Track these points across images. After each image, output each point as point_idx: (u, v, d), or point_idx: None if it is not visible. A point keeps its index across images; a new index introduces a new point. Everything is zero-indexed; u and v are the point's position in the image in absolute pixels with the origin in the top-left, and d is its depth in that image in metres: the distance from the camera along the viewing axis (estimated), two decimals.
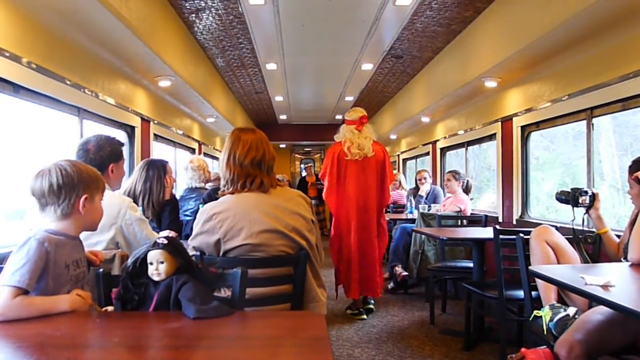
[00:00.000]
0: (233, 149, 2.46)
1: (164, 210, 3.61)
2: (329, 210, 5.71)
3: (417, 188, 7.34)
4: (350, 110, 5.25)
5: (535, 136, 5.43)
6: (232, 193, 2.43)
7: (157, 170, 3.57)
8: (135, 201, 3.45)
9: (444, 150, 8.21)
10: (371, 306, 5.23)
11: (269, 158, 2.48)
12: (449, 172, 6.32)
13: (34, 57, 3.32)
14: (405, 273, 6.02)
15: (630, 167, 2.76)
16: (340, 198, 4.96)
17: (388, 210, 8.01)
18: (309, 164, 14.06)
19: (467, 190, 6.20)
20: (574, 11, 3.48)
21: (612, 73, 3.76)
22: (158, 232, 3.71)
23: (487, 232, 4.27)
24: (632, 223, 2.69)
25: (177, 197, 4.92)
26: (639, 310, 1.65)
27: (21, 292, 1.61)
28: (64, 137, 4.16)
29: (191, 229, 2.51)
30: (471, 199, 6.19)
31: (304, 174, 14.74)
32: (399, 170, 10.93)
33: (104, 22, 3.61)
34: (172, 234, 2.97)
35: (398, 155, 11.31)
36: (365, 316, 5.03)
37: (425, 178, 7.25)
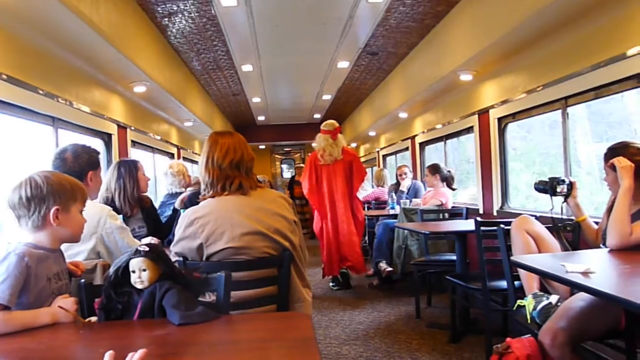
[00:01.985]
0: (211, 152, 2.46)
1: (143, 211, 3.65)
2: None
3: (398, 184, 7.35)
4: (326, 122, 6.31)
5: (512, 127, 5.47)
6: (212, 196, 2.43)
7: (128, 167, 3.61)
8: (112, 200, 3.51)
9: (423, 145, 8.24)
10: (345, 271, 6.40)
11: (247, 159, 2.48)
12: (428, 166, 6.34)
13: (4, 67, 3.26)
14: (389, 269, 6.04)
15: (605, 154, 2.80)
16: (318, 195, 6.13)
17: (370, 206, 8.04)
18: (300, 165, 14.03)
19: (451, 182, 6.21)
20: (545, 2, 3.52)
21: (584, 62, 3.81)
22: (143, 231, 3.70)
23: (468, 225, 4.30)
24: (610, 209, 2.74)
25: (158, 203, 4.90)
26: (619, 295, 1.68)
27: (1, 308, 1.59)
28: (39, 148, 4.10)
29: (173, 235, 2.50)
30: (454, 189, 6.21)
31: (289, 174, 14.75)
32: (379, 166, 10.97)
33: (74, 29, 3.57)
34: (154, 240, 2.97)
35: (378, 152, 11.34)
36: (344, 289, 6.30)
37: (405, 173, 7.26)
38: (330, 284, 6.48)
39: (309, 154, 6.44)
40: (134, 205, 3.61)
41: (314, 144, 6.21)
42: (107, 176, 3.61)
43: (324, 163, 6.06)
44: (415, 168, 8.30)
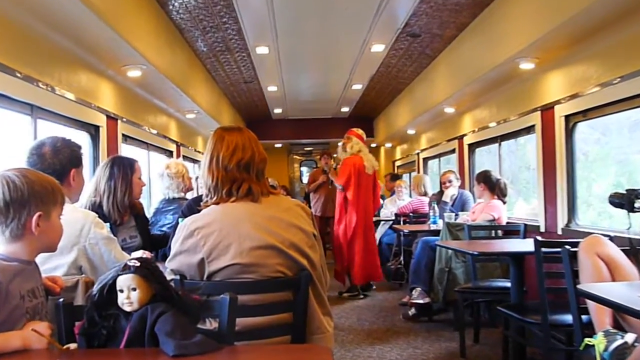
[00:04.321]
0: (216, 150, 2.49)
1: (135, 218, 3.70)
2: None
3: (441, 193, 7.32)
4: (357, 129, 7.54)
5: (582, 127, 5.41)
6: (216, 203, 2.45)
7: (123, 168, 3.65)
8: (100, 204, 3.56)
9: (472, 147, 8.19)
10: (373, 287, 7.80)
11: (258, 160, 2.50)
12: (479, 173, 6.30)
13: None
14: (427, 299, 6.02)
15: None
16: (357, 205, 7.21)
17: (407, 220, 8.02)
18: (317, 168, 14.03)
19: (501, 193, 6.17)
20: None
21: None
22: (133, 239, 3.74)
23: (526, 245, 4.27)
24: None
25: (152, 210, 4.95)
26: None
27: None
28: (14, 141, 4.16)
29: (169, 248, 2.52)
30: (504, 203, 6.17)
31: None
32: (419, 171, 10.92)
33: (60, 3, 3.62)
34: (146, 254, 2.98)
35: (417, 154, 11.29)
36: (362, 296, 7.44)
37: (450, 181, 7.22)
38: (345, 294, 7.45)
39: (345, 157, 7.41)
40: (124, 211, 3.66)
41: (345, 149, 7.44)
42: (97, 175, 3.67)
43: (367, 172, 7.25)
44: (463, 174, 8.24)
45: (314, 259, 2.44)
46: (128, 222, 3.78)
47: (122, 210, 3.62)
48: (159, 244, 4.06)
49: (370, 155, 7.44)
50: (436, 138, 9.96)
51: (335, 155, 8.57)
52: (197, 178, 5.29)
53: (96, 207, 3.55)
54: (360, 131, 7.54)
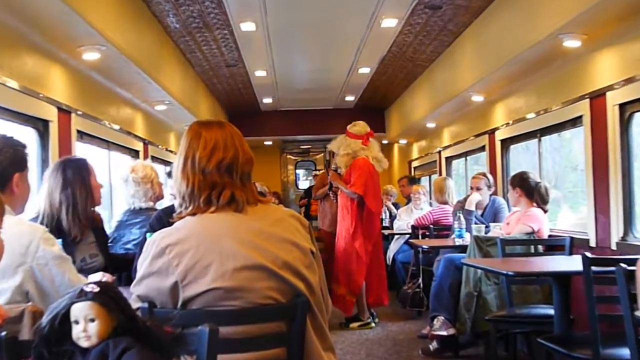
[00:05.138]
0: (191, 149, 2.49)
1: (94, 232, 3.74)
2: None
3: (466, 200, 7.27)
4: (353, 124, 7.62)
5: None
6: (192, 214, 2.45)
7: (78, 170, 3.68)
8: (58, 218, 3.57)
9: (506, 143, 8.18)
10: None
11: (243, 161, 2.51)
12: (514, 176, 6.28)
13: None
14: (451, 331, 6.01)
15: None
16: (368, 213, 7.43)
17: (427, 233, 8.01)
18: (318, 171, 13.98)
19: (541, 200, 6.16)
20: None
21: None
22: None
23: (573, 263, 4.28)
24: None
25: (114, 223, 4.95)
26: None
27: None
28: None
29: (135, 269, 2.53)
30: (546, 212, 6.15)
31: (307, 184, 14.66)
32: (441, 174, 10.90)
33: None
34: (106, 277, 2.97)
35: (439, 153, 11.31)
36: (373, 324, 7.56)
37: (480, 188, 7.15)
38: (354, 324, 7.53)
39: (355, 157, 7.48)
40: (86, 224, 3.69)
41: (342, 151, 7.55)
42: (48, 184, 3.66)
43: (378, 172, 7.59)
44: (495, 177, 8.21)
45: (312, 282, 2.44)
46: (87, 237, 3.78)
47: (84, 222, 3.65)
48: (123, 265, 4.03)
49: (375, 152, 7.59)
50: (462, 133, 9.96)
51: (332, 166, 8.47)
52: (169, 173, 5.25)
53: (55, 224, 3.55)
54: (357, 127, 7.60)
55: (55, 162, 3.86)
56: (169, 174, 5.08)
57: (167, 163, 9.41)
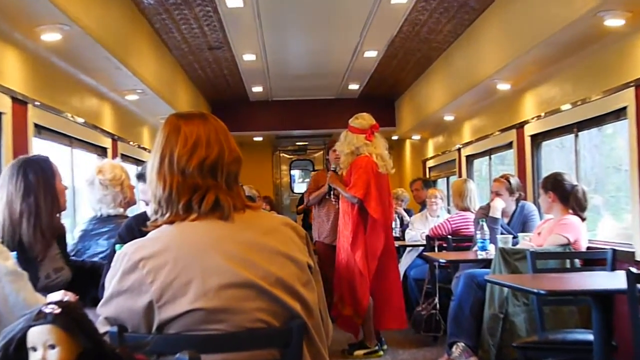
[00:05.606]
0: (168, 146, 2.49)
1: (59, 243, 3.82)
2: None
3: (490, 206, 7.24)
4: (355, 117, 7.42)
5: None
6: (170, 222, 2.44)
7: (42, 173, 3.69)
8: (19, 230, 3.57)
9: (537, 139, 8.20)
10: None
11: (229, 160, 2.50)
12: (547, 178, 6.26)
13: None
14: (473, 359, 5.98)
15: None
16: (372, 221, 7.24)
17: (444, 245, 7.97)
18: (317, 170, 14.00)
19: (578, 206, 6.13)
20: None
21: None
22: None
23: (616, 280, 4.39)
24: None
25: (78, 232, 4.94)
26: None
27: None
28: None
29: (102, 287, 2.54)
30: (583, 220, 6.12)
31: (304, 187, 14.67)
32: (460, 175, 10.89)
33: None
34: (68, 296, 2.92)
35: (458, 150, 11.47)
36: (382, 352, 7.43)
37: (500, 192, 7.13)
38: (360, 351, 7.37)
39: (356, 156, 7.33)
40: (52, 236, 3.72)
41: (342, 148, 7.44)
42: (7, 191, 3.65)
43: (383, 172, 7.29)
44: (525, 179, 8.25)
45: (309, 302, 2.44)
46: (52, 250, 3.81)
47: (49, 235, 3.67)
48: (88, 281, 4.03)
49: (380, 149, 7.37)
50: (485, 127, 10.10)
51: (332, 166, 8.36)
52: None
53: (12, 236, 3.54)
54: (360, 120, 7.41)
55: (12, 163, 3.81)
56: (140, 177, 5.01)
57: (139, 162, 9.50)
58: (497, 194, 7.17)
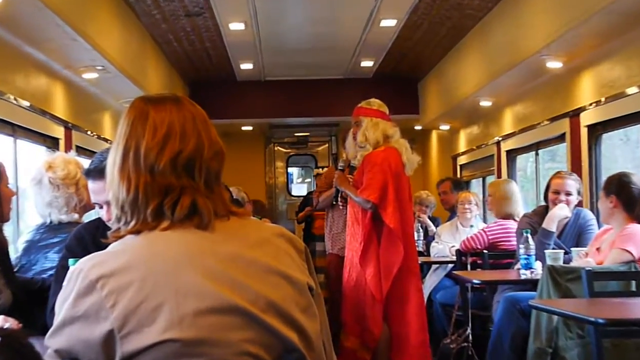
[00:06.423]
0: (134, 137, 2.44)
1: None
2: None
3: (544, 212, 7.21)
4: (366, 102, 7.34)
5: None
6: (136, 232, 2.41)
7: None
8: None
9: (595, 130, 8.19)
10: None
11: (209, 154, 2.48)
12: (609, 179, 6.27)
13: None
14: None
15: None
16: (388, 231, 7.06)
17: (480, 262, 7.99)
18: (320, 169, 13.99)
19: None
20: None
21: None
22: None
23: None
24: None
25: (22, 243, 4.97)
26: None
27: None
28: None
29: (52, 311, 2.55)
30: None
31: (304, 189, 14.59)
32: (500, 175, 10.90)
33: None
34: (9, 322, 2.98)
35: (497, 144, 11.43)
36: None
37: (571, 192, 7.09)
38: None
39: (378, 148, 7.17)
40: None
41: (356, 140, 7.32)
42: None
43: (409, 173, 7.25)
44: (581, 179, 8.21)
45: (309, 332, 2.40)
46: None
47: None
48: (37, 304, 4.07)
49: (406, 144, 7.29)
50: (531, 115, 10.09)
51: (339, 158, 8.29)
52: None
53: None
54: (376, 104, 7.34)
55: None
56: (90, 173, 4.72)
57: None
58: (567, 194, 7.11)
